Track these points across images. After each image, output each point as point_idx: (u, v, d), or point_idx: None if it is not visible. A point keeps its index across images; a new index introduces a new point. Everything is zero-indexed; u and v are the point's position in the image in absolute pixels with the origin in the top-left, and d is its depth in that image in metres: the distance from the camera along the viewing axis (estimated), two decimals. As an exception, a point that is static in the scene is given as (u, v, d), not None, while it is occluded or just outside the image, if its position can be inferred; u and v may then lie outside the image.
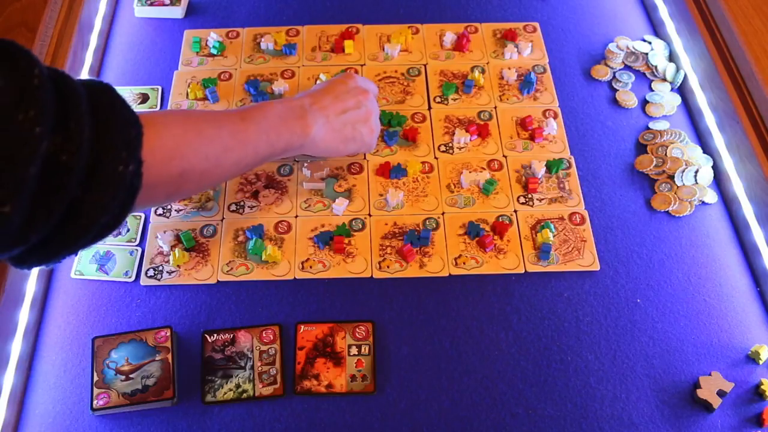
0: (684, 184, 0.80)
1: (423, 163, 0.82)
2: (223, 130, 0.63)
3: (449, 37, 0.94)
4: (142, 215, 0.78)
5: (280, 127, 0.68)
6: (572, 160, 0.83)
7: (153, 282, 0.73)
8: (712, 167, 0.82)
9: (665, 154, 0.82)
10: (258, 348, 0.69)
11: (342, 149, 0.75)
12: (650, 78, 0.91)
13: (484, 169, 0.81)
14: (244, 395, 0.66)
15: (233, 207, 0.78)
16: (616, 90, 0.90)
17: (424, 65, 0.92)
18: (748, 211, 0.76)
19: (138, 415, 0.65)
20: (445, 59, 0.93)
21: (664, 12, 0.96)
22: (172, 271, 0.74)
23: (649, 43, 0.94)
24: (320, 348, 0.69)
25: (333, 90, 0.74)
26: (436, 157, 0.83)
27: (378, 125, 0.77)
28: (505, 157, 0.83)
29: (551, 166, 0.81)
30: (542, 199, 0.79)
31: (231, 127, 0.64)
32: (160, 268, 0.74)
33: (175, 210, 0.78)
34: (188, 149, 0.59)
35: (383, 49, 0.93)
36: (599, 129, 0.86)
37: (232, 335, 0.69)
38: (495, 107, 0.87)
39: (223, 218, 0.78)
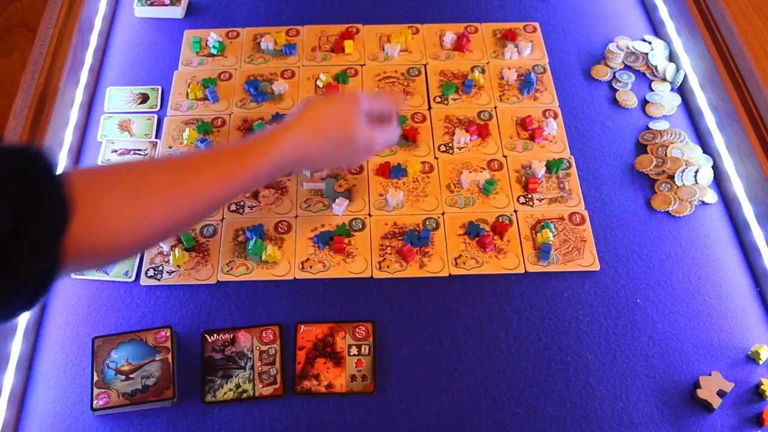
0: (684, 184, 0.80)
1: (423, 163, 0.82)
2: (181, 202, 0.57)
3: (449, 37, 0.94)
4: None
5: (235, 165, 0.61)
6: (572, 160, 0.83)
7: (153, 282, 0.73)
8: (712, 167, 0.82)
9: (665, 154, 0.82)
10: (258, 348, 0.69)
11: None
12: (650, 78, 0.91)
13: (484, 169, 0.81)
14: (244, 395, 0.66)
15: (233, 207, 0.78)
16: (616, 90, 0.90)
17: (424, 65, 0.92)
18: (748, 211, 0.76)
19: (138, 415, 0.65)
20: (445, 59, 0.93)
21: (664, 12, 0.96)
22: (172, 271, 0.74)
23: (649, 43, 0.94)
24: (320, 348, 0.69)
25: (333, 147, 0.67)
26: (436, 157, 0.83)
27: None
28: (505, 157, 0.83)
29: (551, 166, 0.81)
30: (542, 199, 0.79)
31: (190, 194, 0.57)
32: (160, 268, 0.74)
33: (175, 210, 0.78)
34: (126, 236, 0.53)
35: (383, 49, 0.93)
36: (599, 129, 0.86)
37: (232, 335, 0.69)
38: (495, 107, 0.87)
39: (223, 218, 0.77)
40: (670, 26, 0.94)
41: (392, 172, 0.80)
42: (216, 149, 0.63)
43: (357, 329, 0.70)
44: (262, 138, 0.63)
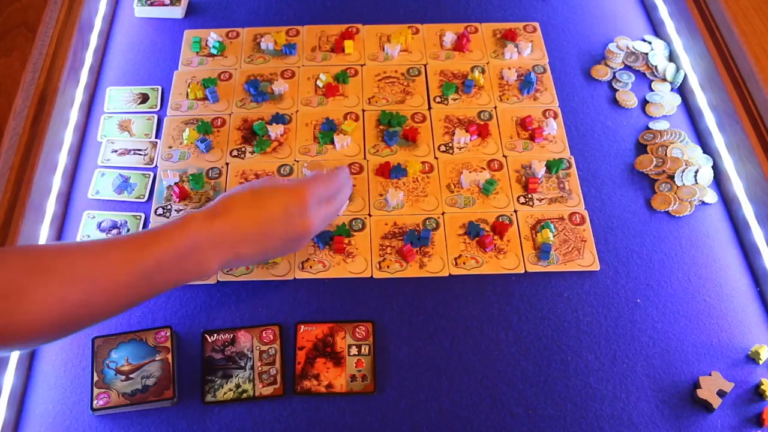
0: (684, 184, 0.80)
1: (423, 163, 0.82)
2: (95, 287, 0.55)
3: (449, 37, 0.94)
4: (143, 215, 0.78)
5: (171, 271, 0.59)
6: (572, 160, 0.83)
7: (153, 282, 0.73)
8: (712, 167, 0.82)
9: (665, 154, 0.82)
10: (258, 348, 0.69)
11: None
12: (650, 78, 0.91)
13: (484, 169, 0.81)
14: (244, 395, 0.66)
15: (233, 207, 0.78)
16: (616, 90, 0.90)
17: (424, 65, 0.92)
18: (748, 211, 0.76)
19: (138, 415, 0.65)
20: (445, 59, 0.93)
21: (664, 12, 0.96)
22: (172, 271, 0.73)
23: (649, 43, 0.94)
24: (320, 348, 0.69)
25: (265, 222, 0.62)
26: (436, 157, 0.83)
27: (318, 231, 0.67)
28: (505, 157, 0.83)
29: (551, 166, 0.81)
30: (542, 199, 0.79)
31: (106, 282, 0.56)
32: (160, 268, 0.74)
33: (175, 210, 0.78)
34: (43, 320, 0.53)
35: (383, 49, 0.93)
36: (599, 129, 0.86)
37: (232, 335, 0.69)
38: (495, 107, 0.87)
39: (223, 218, 0.77)
40: (670, 26, 0.94)
41: (392, 172, 0.80)
42: (144, 251, 0.58)
43: (357, 329, 0.70)
44: (196, 255, 0.60)
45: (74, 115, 0.84)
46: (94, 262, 0.56)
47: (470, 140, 0.84)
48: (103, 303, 0.56)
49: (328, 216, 0.68)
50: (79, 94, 0.86)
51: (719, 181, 0.82)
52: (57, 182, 0.77)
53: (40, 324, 0.53)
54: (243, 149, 0.83)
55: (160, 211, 0.78)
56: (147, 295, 0.59)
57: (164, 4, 0.97)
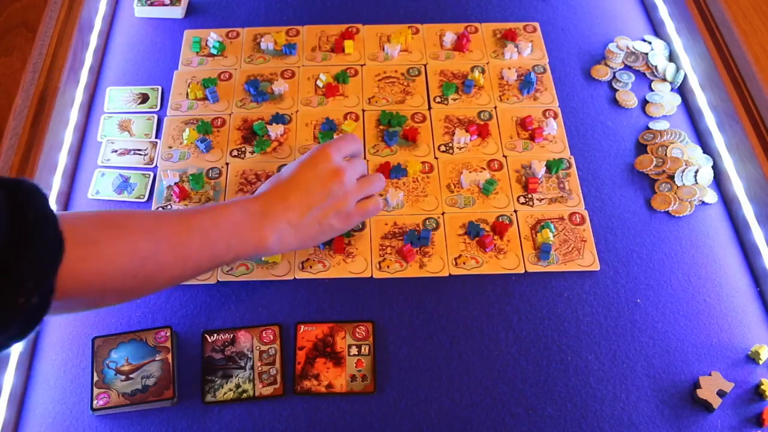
0: (684, 184, 0.80)
1: (423, 163, 0.82)
2: (162, 245, 0.57)
3: (449, 37, 0.94)
4: (142, 215, 0.78)
5: (232, 238, 0.62)
6: (572, 160, 0.83)
7: (153, 282, 0.73)
8: (712, 167, 0.82)
9: (665, 154, 0.82)
10: (258, 348, 0.69)
11: (309, 245, 0.69)
12: (650, 78, 0.91)
13: (484, 169, 0.81)
14: (244, 395, 0.66)
15: (233, 207, 0.78)
16: (616, 90, 0.90)
17: (424, 65, 0.92)
18: (748, 211, 0.76)
19: (138, 415, 0.65)
20: (445, 59, 0.93)
21: (664, 12, 0.96)
22: (172, 271, 0.73)
23: (649, 43, 0.94)
24: (320, 348, 0.69)
25: (299, 182, 0.66)
26: (436, 157, 0.83)
27: (356, 202, 0.69)
28: (505, 157, 0.83)
29: (551, 166, 0.81)
30: (542, 199, 0.79)
31: (172, 240, 0.58)
32: (160, 268, 0.74)
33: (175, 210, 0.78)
34: (115, 272, 0.54)
35: (383, 49, 0.93)
36: (599, 129, 0.86)
37: (232, 335, 0.69)
38: (495, 107, 0.87)
39: (223, 218, 0.77)
40: (670, 26, 0.94)
41: (392, 172, 0.80)
42: (204, 219, 0.61)
43: (357, 329, 0.70)
44: (255, 226, 0.63)
45: (74, 115, 0.84)
46: (160, 222, 0.59)
47: (470, 140, 0.84)
48: (171, 261, 0.58)
49: (357, 167, 0.69)
50: (79, 94, 0.86)
51: (719, 181, 0.82)
52: (57, 182, 0.77)
53: (115, 272, 0.54)
54: (243, 149, 0.83)
55: (160, 211, 0.78)
56: (210, 262, 0.62)
57: (164, 4, 0.97)
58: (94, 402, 0.65)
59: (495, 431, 0.65)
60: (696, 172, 0.81)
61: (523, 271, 0.74)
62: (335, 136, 0.83)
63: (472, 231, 0.76)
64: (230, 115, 0.87)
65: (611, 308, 0.72)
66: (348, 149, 0.70)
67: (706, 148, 0.84)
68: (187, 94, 0.88)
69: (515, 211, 0.78)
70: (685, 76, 0.89)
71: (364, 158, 0.82)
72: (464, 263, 0.74)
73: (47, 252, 0.47)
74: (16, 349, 0.66)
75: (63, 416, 0.65)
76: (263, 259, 0.73)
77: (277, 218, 0.64)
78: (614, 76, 0.91)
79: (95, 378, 0.66)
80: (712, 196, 0.80)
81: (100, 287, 0.54)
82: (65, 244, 0.48)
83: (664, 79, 0.91)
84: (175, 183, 0.80)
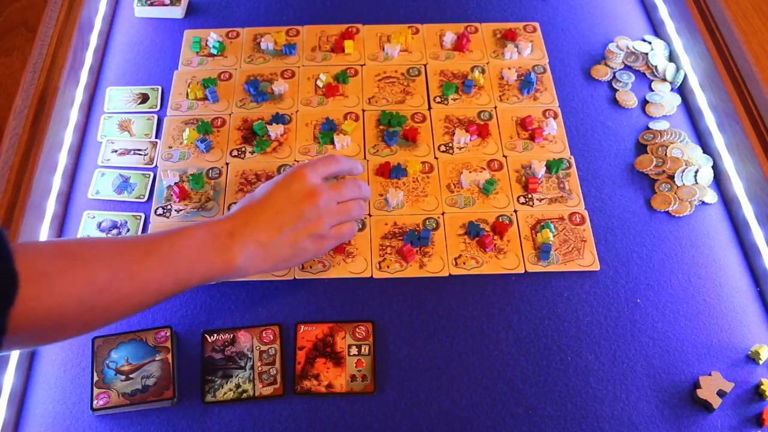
0: (684, 184, 0.80)
1: (423, 163, 0.82)
2: (120, 274, 0.55)
3: (449, 37, 0.94)
4: (143, 215, 0.78)
5: (195, 262, 0.60)
6: (572, 160, 0.83)
7: (153, 282, 0.73)
8: (712, 167, 0.82)
9: (665, 154, 0.82)
10: (258, 348, 0.69)
11: (281, 267, 0.67)
12: (650, 78, 0.91)
13: (484, 169, 0.81)
14: (244, 395, 0.66)
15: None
16: (616, 90, 0.90)
17: (424, 65, 0.92)
18: (748, 211, 0.76)
19: (138, 415, 0.65)
20: (445, 59, 0.93)
21: (664, 12, 0.96)
22: (172, 271, 0.73)
23: (649, 43, 0.94)
24: (320, 348, 0.69)
25: (270, 203, 0.64)
26: (436, 157, 0.83)
27: (331, 226, 0.67)
28: (505, 157, 0.83)
29: (551, 166, 0.81)
30: (542, 199, 0.79)
31: (130, 268, 0.56)
32: (160, 268, 0.74)
33: (175, 210, 0.78)
34: (71, 305, 0.53)
35: (383, 49, 0.93)
36: (599, 129, 0.86)
37: (232, 335, 0.69)
38: (495, 107, 0.87)
39: (223, 218, 0.77)
40: (670, 26, 0.94)
41: (392, 172, 0.80)
42: (164, 244, 0.59)
43: (357, 329, 0.70)
44: (220, 247, 0.61)
45: (74, 115, 0.84)
46: (118, 249, 0.57)
47: (470, 140, 0.84)
48: (130, 290, 0.56)
49: (342, 191, 0.68)
50: (79, 94, 0.86)
51: (719, 181, 0.82)
52: (57, 182, 0.77)
53: (70, 305, 0.53)
54: (243, 149, 0.83)
55: (160, 211, 0.78)
56: (174, 287, 0.60)
57: (164, 4, 0.97)
58: (94, 402, 0.65)
59: (495, 431, 0.65)
60: (696, 172, 0.81)
61: (523, 271, 0.74)
62: (334, 137, 0.83)
63: (472, 231, 0.76)
64: (230, 115, 0.87)
65: (611, 308, 0.72)
66: (326, 170, 0.68)
67: (706, 148, 0.84)
68: (187, 94, 0.88)
69: (515, 211, 0.78)
70: (685, 76, 0.89)
71: (364, 158, 0.82)
72: (464, 263, 0.74)
73: (1, 293, 0.46)
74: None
75: (63, 416, 0.65)
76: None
77: (245, 238, 0.62)
78: (614, 76, 0.91)
79: (95, 378, 0.66)
80: (712, 196, 0.80)
81: (56, 321, 0.52)
82: (18, 281, 0.47)
83: (664, 79, 0.91)
84: (175, 183, 0.80)
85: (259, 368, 0.67)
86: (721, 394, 0.65)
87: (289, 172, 0.67)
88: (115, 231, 0.76)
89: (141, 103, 0.88)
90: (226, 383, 0.67)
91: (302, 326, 0.70)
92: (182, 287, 0.60)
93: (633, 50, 0.93)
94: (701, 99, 0.86)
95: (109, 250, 0.57)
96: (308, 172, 0.66)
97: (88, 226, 0.77)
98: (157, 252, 0.58)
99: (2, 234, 0.48)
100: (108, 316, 0.57)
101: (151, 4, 0.97)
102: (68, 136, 0.81)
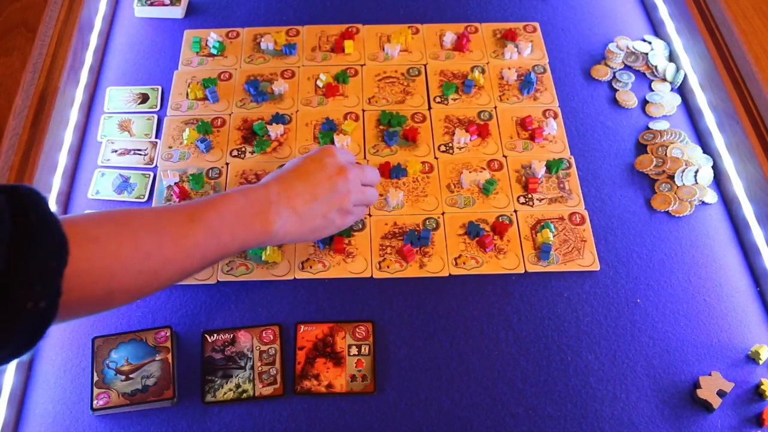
0: (684, 184, 0.80)
1: (423, 163, 0.82)
2: (165, 239, 0.57)
3: (449, 37, 0.94)
4: (142, 215, 0.78)
5: (236, 227, 0.61)
6: (572, 160, 0.83)
7: (153, 282, 0.73)
8: (712, 167, 0.82)
9: (665, 154, 0.82)
10: (258, 348, 0.69)
11: (309, 238, 0.68)
12: (650, 78, 0.91)
13: (484, 169, 0.81)
14: (244, 395, 0.66)
15: (233, 207, 0.78)
16: (616, 90, 0.90)
17: (424, 65, 0.92)
18: (748, 211, 0.76)
19: (138, 415, 0.65)
20: (445, 59, 0.93)
21: (664, 12, 0.96)
22: (172, 271, 0.73)
23: (649, 43, 0.94)
24: (320, 348, 0.69)
25: (305, 173, 0.67)
26: (436, 157, 0.83)
27: (354, 203, 0.69)
28: (505, 157, 0.83)
29: (551, 166, 0.81)
30: (542, 199, 0.79)
31: (175, 232, 0.58)
32: (160, 268, 0.74)
33: (175, 210, 0.78)
34: (120, 268, 0.53)
35: (383, 49, 0.93)
36: (599, 129, 0.86)
37: (232, 335, 0.69)
38: (495, 107, 0.87)
39: (223, 218, 0.77)
40: (670, 26, 0.94)
41: (392, 172, 0.80)
42: (207, 210, 0.61)
43: (357, 329, 0.70)
44: (259, 212, 0.63)
45: (74, 115, 0.84)
46: (162, 216, 0.59)
47: (470, 140, 0.84)
48: (175, 255, 0.57)
49: (363, 170, 0.71)
50: (79, 94, 0.86)
51: (719, 181, 0.82)
52: (57, 182, 0.77)
53: (119, 269, 0.53)
54: (243, 149, 0.83)
55: (161, 205, 0.78)
56: (216, 253, 0.60)
57: (164, 4, 0.97)
58: (94, 402, 0.65)
59: (495, 431, 0.65)
60: (696, 172, 0.81)
61: (523, 271, 0.74)
62: (334, 137, 0.83)
63: (472, 231, 0.76)
64: (230, 115, 0.87)
65: (611, 308, 0.72)
66: (350, 158, 0.72)
67: (706, 148, 0.84)
68: (187, 94, 0.88)
69: (515, 211, 0.78)
70: (685, 76, 0.89)
71: (364, 158, 0.82)
72: (464, 263, 0.74)
73: (52, 253, 0.47)
74: (16, 349, 0.66)
75: (63, 416, 0.65)
76: (263, 258, 0.73)
77: (281, 204, 0.64)
78: (614, 76, 0.91)
79: (95, 378, 0.66)
80: (712, 196, 0.80)
81: (106, 285, 0.53)
82: (68, 244, 0.48)
83: (664, 79, 0.91)
84: (175, 183, 0.80)
85: (259, 368, 0.67)
86: (721, 394, 0.65)
87: (320, 148, 0.69)
88: (115, 231, 0.76)
89: (141, 103, 0.88)
90: (226, 383, 0.67)
91: (302, 326, 0.70)
92: (224, 253, 0.61)
93: (633, 50, 0.93)
94: (701, 99, 0.86)
95: (153, 217, 0.58)
96: (337, 151, 0.69)
97: (88, 226, 0.77)
98: (200, 218, 0.59)
99: (46, 201, 0.49)
100: (154, 281, 0.57)
101: (151, 4, 0.97)
102: (68, 136, 0.81)
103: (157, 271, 0.56)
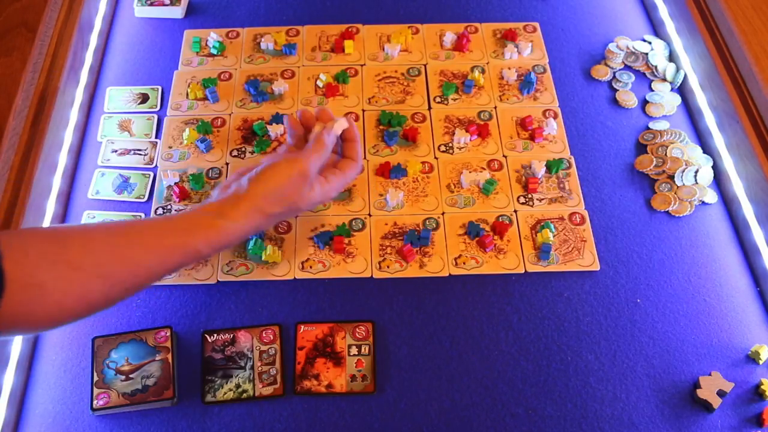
0: (684, 184, 0.80)
1: (423, 163, 0.82)
2: (115, 288, 0.56)
3: (449, 37, 0.94)
4: (143, 215, 0.78)
5: (188, 236, 0.59)
6: (572, 160, 0.83)
7: (153, 282, 0.73)
8: (712, 167, 0.82)
9: (665, 154, 0.82)
10: (258, 348, 0.69)
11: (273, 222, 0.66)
12: (650, 78, 0.91)
13: (484, 169, 0.81)
14: (244, 395, 0.66)
15: (233, 207, 0.78)
16: (616, 90, 0.90)
17: (424, 65, 0.92)
18: (748, 211, 0.76)
19: (138, 415, 0.65)
20: (445, 59, 0.93)
21: (664, 12, 0.96)
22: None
23: (649, 43, 0.94)
24: (320, 348, 0.69)
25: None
26: (436, 157, 0.83)
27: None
28: (505, 157, 0.83)
29: (551, 166, 0.81)
30: (542, 199, 0.79)
31: (128, 282, 0.57)
32: (160, 268, 0.74)
33: (176, 210, 0.78)
34: (62, 314, 0.53)
35: (383, 49, 0.93)
36: (599, 129, 0.86)
37: (232, 335, 0.69)
38: (495, 107, 0.87)
39: (223, 218, 0.77)
40: (670, 26, 0.94)
41: (392, 172, 0.80)
42: (159, 221, 0.60)
43: (357, 329, 0.70)
44: (208, 214, 0.61)
45: (74, 115, 0.84)
46: (121, 259, 0.56)
47: (470, 140, 0.84)
48: (124, 292, 0.57)
49: (324, 192, 0.67)
50: (79, 94, 0.86)
51: (719, 181, 0.82)
52: (57, 182, 0.77)
53: (60, 314, 0.53)
54: (243, 149, 0.83)
55: (160, 211, 0.78)
56: (177, 265, 0.60)
57: (164, 4, 0.97)
58: (94, 402, 0.65)
59: (495, 431, 0.65)
60: (696, 172, 0.81)
61: (523, 271, 0.74)
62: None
63: (472, 231, 0.76)
64: (230, 115, 0.87)
65: (611, 308, 0.72)
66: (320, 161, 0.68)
67: (706, 148, 0.84)
68: (187, 94, 0.88)
69: (515, 211, 0.78)
70: (685, 76, 0.89)
71: (364, 158, 0.82)
72: (464, 263, 0.74)
73: None
74: (16, 349, 0.66)
75: (63, 416, 0.65)
76: (263, 258, 0.73)
77: (256, 215, 0.63)
78: (614, 76, 0.91)
79: (95, 378, 0.66)
80: (712, 196, 0.80)
81: (43, 324, 0.53)
82: (7, 284, 0.46)
83: (664, 79, 0.91)
84: (175, 183, 0.80)
85: (259, 368, 0.67)
86: (721, 394, 0.65)
87: (296, 198, 0.65)
88: (115, 231, 0.76)
89: (141, 103, 0.88)
90: (226, 383, 0.67)
91: (302, 326, 0.70)
92: (186, 261, 0.60)
93: (633, 50, 0.93)
94: (701, 99, 0.86)
95: (112, 259, 0.56)
96: (310, 165, 0.65)
97: (88, 226, 0.77)
98: (164, 257, 0.58)
99: None
100: (103, 306, 0.56)
101: (151, 4, 0.97)
102: (68, 136, 0.81)
103: (99, 309, 0.56)
